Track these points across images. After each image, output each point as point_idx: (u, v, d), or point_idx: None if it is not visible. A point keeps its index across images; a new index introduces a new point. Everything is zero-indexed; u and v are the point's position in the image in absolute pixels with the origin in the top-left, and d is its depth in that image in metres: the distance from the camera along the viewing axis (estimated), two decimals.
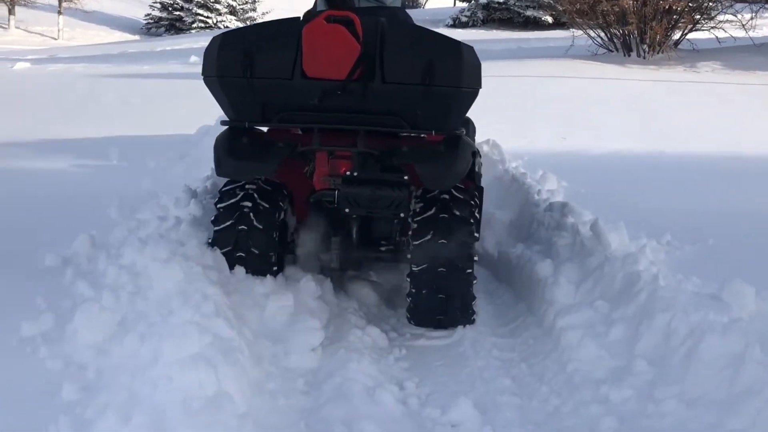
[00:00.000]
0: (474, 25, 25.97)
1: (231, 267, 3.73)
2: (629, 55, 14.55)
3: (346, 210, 3.69)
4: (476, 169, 4.76)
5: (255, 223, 3.75)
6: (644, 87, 11.68)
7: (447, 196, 3.80)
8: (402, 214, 3.82)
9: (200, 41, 18.69)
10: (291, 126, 3.79)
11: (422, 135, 3.71)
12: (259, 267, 3.78)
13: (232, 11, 38.27)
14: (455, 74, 3.46)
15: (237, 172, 3.77)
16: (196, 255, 3.66)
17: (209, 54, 3.58)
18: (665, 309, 3.17)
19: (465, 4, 27.82)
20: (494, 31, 24.88)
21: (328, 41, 3.38)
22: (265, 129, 4.00)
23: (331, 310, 3.90)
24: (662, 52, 14.28)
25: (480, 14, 26.16)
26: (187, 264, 3.50)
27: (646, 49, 14.31)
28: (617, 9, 14.17)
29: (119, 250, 3.82)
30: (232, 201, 3.78)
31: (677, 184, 6.11)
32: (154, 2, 39.30)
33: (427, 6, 43.31)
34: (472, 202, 3.90)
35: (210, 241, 3.85)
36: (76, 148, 7.63)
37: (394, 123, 3.59)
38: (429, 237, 3.73)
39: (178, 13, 38.20)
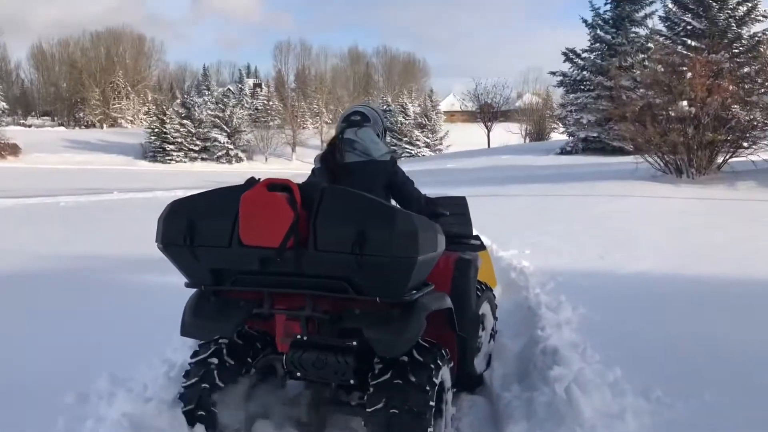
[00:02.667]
0: (576, 153, 28.71)
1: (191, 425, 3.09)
2: (681, 177, 14.76)
3: (297, 374, 3.03)
4: (487, 311, 4.33)
5: (217, 381, 3.15)
6: (688, 204, 10.85)
7: (406, 359, 3.04)
8: (352, 381, 3.03)
9: None
10: (241, 289, 3.08)
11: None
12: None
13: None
14: (386, 243, 2.72)
15: (197, 332, 3.17)
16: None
17: (159, 222, 3.04)
18: None
19: (570, 138, 30.89)
20: (589, 156, 26.40)
21: (263, 209, 2.79)
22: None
23: None
24: (707, 174, 14.65)
25: (580, 144, 29.08)
26: None
27: (694, 172, 14.62)
28: (670, 141, 14.45)
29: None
30: (200, 357, 3.24)
31: (695, 308, 4.98)
32: None
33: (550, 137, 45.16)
34: (434, 365, 3.08)
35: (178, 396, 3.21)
36: None
37: (340, 287, 2.88)
38: (381, 405, 2.95)
39: (393, 147, 41.75)
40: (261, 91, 66.59)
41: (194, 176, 33.69)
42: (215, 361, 3.21)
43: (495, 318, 4.70)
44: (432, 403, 3.00)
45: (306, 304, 2.97)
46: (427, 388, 2.98)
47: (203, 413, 3.16)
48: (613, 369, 3.78)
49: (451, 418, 3.49)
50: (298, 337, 3.01)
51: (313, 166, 3.73)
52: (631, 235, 8.05)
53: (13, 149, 43.38)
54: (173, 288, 6.55)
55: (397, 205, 3.42)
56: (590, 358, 3.97)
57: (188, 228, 2.93)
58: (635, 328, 4.66)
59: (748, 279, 5.86)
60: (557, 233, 8.63)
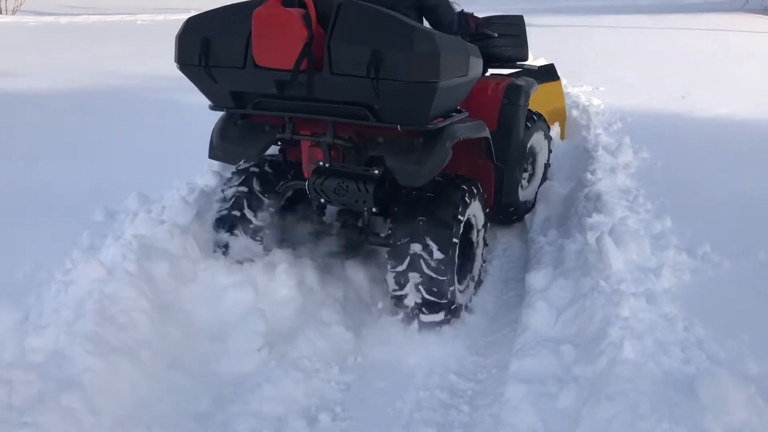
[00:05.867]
0: None
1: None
2: None
3: (320, 200, 2.95)
4: (539, 143, 4.14)
5: (246, 208, 3.13)
6: None
7: (432, 194, 2.92)
8: (374, 210, 2.95)
9: None
10: (259, 113, 2.91)
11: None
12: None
13: None
14: (402, 66, 2.43)
15: (224, 155, 3.12)
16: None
17: (175, 40, 2.82)
18: (621, 392, 2.04)
19: None
20: None
21: (276, 27, 2.53)
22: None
23: (297, 306, 3.02)
24: None
25: None
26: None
27: None
28: None
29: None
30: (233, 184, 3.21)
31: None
32: None
33: None
34: (461, 201, 2.94)
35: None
36: None
37: (360, 114, 2.66)
38: (403, 240, 2.88)
39: None
40: None
41: None
42: (245, 189, 3.15)
43: (550, 150, 4.45)
44: (455, 240, 2.88)
45: (327, 131, 2.80)
46: (452, 224, 2.87)
47: (233, 239, 3.14)
48: (662, 219, 3.45)
49: (482, 254, 3.35)
50: (321, 163, 2.89)
51: None
52: (722, 75, 7.27)
53: None
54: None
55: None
56: (640, 207, 3.63)
57: (202, 47, 2.71)
58: (702, 177, 4.23)
59: None
60: (640, 69, 7.92)
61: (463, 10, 3.60)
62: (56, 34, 13.79)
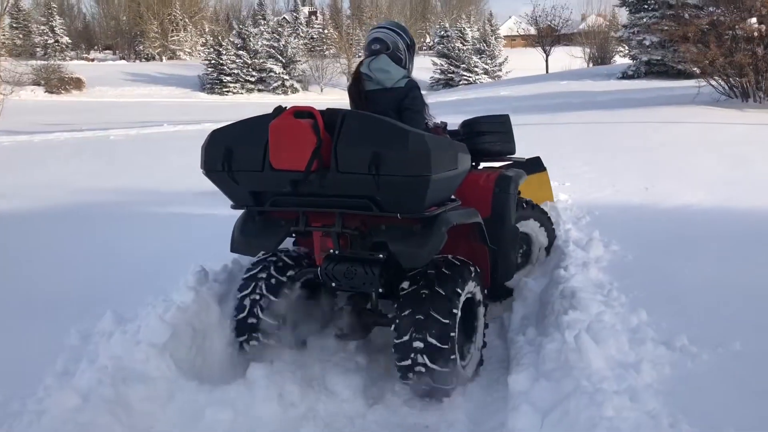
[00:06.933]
0: (638, 77, 26.58)
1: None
2: (747, 101, 13.69)
3: (332, 284, 3.33)
4: (533, 230, 4.59)
5: (265, 292, 3.45)
6: (751, 131, 10.17)
7: (433, 272, 3.25)
8: (380, 290, 3.28)
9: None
10: (276, 210, 3.30)
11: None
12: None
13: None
14: (399, 163, 2.84)
15: (244, 248, 3.48)
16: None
17: (201, 150, 3.27)
18: None
19: (632, 61, 28.94)
20: (651, 81, 24.66)
21: (290, 136, 2.98)
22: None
23: (277, 422, 2.95)
24: None
25: (642, 68, 27.11)
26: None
27: (762, 96, 13.55)
28: (736, 63, 13.32)
29: None
30: (252, 273, 3.56)
31: (741, 248, 4.55)
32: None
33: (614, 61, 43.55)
34: (460, 278, 3.25)
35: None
36: None
37: (364, 205, 3.05)
38: (407, 312, 3.16)
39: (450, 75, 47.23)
40: (316, 19, 65.41)
41: (250, 107, 33.59)
42: (264, 275, 3.48)
43: (550, 237, 4.78)
44: (456, 311, 3.16)
45: (335, 222, 3.18)
46: (452, 297, 3.16)
47: (254, 321, 3.42)
48: (637, 313, 3.49)
49: (483, 331, 3.59)
50: (331, 251, 3.26)
51: None
52: (682, 165, 7.52)
53: (77, 83, 43.89)
54: (188, 221, 6.51)
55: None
56: (614, 301, 3.68)
57: (225, 155, 3.14)
58: (673, 267, 4.30)
59: None
60: (603, 163, 8.17)
61: (435, 123, 4.07)
62: (31, 152, 13.91)
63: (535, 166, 5.29)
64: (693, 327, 3.29)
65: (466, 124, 4.39)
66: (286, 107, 3.11)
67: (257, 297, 3.43)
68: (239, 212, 3.46)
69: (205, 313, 3.49)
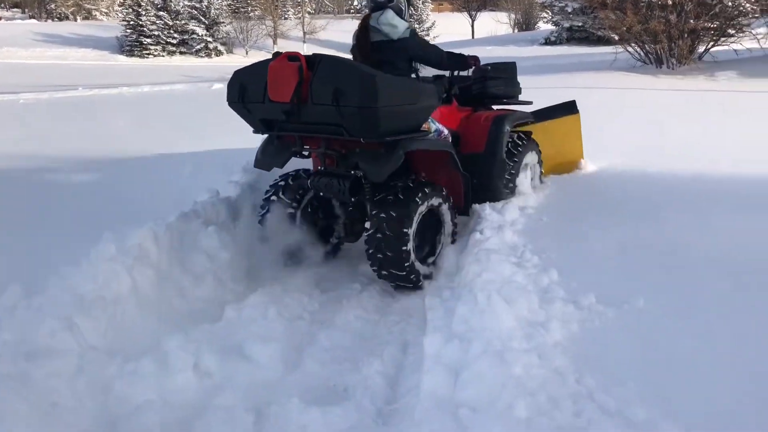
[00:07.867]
0: (560, 43, 27.84)
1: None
2: (660, 67, 14.30)
3: (320, 193, 4.29)
4: (532, 161, 5.25)
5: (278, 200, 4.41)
6: (664, 96, 10.51)
7: (400, 185, 4.09)
8: (352, 199, 4.21)
9: None
10: (281, 134, 4.08)
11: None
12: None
13: None
14: (352, 95, 3.51)
15: (261, 164, 4.27)
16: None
17: (227, 86, 4.05)
18: None
19: (555, 27, 29.92)
20: (573, 47, 25.60)
21: (281, 74, 3.72)
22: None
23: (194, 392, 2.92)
24: (687, 64, 14.12)
25: (564, 34, 28.34)
26: None
27: (675, 62, 14.18)
28: (651, 30, 13.87)
29: None
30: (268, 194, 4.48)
31: (652, 209, 4.75)
32: None
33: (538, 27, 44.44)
34: (418, 198, 3.99)
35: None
36: None
37: (338, 131, 3.72)
38: (372, 231, 3.97)
39: None
40: None
41: (173, 70, 32.49)
42: (283, 183, 4.48)
43: (541, 168, 5.46)
44: (413, 215, 3.94)
45: (321, 145, 3.98)
46: (410, 204, 3.95)
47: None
48: (549, 273, 3.60)
49: (450, 235, 4.38)
50: (320, 168, 4.30)
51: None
52: (598, 131, 7.66)
53: None
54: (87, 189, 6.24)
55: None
56: (527, 262, 3.78)
57: (240, 90, 3.95)
58: (584, 229, 4.43)
59: (712, 176, 5.60)
60: None
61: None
62: None
63: (565, 109, 5.80)
64: (601, 286, 3.41)
65: (476, 69, 5.03)
66: (281, 53, 3.82)
67: (275, 198, 4.39)
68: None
69: (116, 282, 3.38)
